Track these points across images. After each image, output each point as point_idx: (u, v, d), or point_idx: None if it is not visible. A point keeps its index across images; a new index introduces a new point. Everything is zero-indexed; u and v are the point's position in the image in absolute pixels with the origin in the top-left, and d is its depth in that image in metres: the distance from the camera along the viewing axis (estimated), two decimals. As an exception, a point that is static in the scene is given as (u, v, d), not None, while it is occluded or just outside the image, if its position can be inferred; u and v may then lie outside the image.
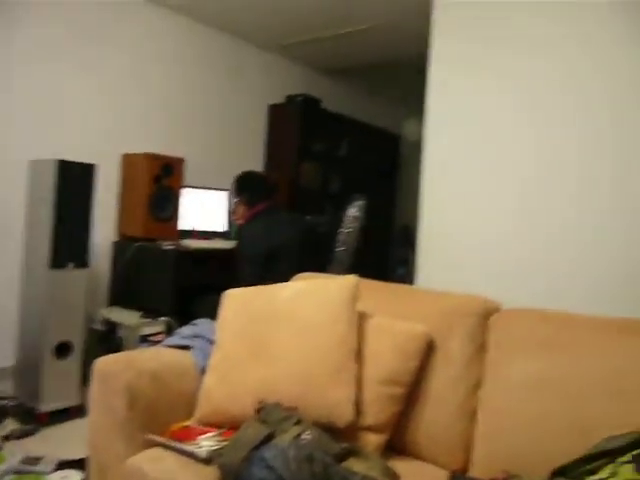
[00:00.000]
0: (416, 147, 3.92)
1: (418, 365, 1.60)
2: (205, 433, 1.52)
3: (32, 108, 3.14)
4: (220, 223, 3.97)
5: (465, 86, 2.47)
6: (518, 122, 2.32)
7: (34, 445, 2.40)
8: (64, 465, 2.17)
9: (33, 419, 2.60)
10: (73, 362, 2.71)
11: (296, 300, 1.67)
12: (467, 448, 1.55)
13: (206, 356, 1.74)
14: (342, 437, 1.46)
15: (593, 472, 1.12)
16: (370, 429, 1.52)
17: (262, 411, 1.47)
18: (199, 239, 3.63)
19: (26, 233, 2.74)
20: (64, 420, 2.69)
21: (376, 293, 1.82)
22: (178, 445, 1.46)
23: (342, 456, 1.37)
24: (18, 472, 2.09)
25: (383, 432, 1.54)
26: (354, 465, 1.37)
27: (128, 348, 2.92)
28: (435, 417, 1.59)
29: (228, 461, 1.32)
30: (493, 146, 2.38)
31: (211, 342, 1.78)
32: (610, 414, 1.33)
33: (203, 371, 1.71)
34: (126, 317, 3.12)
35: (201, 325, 1.93)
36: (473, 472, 1.50)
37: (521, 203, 2.29)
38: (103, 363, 1.65)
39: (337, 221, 2.99)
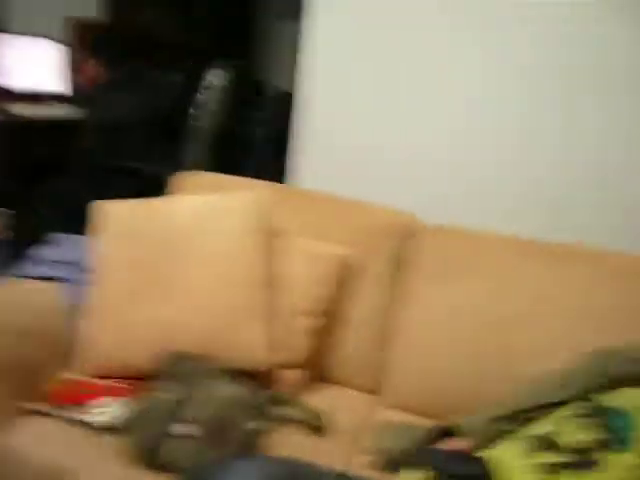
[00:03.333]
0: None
1: (336, 291, 1.45)
2: (96, 392, 1.27)
3: None
4: (55, 82, 3.23)
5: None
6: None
7: None
8: None
9: None
10: None
11: (196, 222, 1.39)
12: (386, 371, 1.49)
13: (80, 290, 1.42)
14: (259, 379, 1.32)
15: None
16: (290, 366, 1.38)
17: (169, 362, 1.25)
18: (30, 103, 2.95)
19: None
20: None
21: (292, 204, 1.58)
22: (66, 414, 1.20)
23: (263, 409, 1.24)
24: None
25: (304, 367, 1.41)
26: (278, 412, 1.27)
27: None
28: (355, 342, 1.49)
29: (140, 439, 1.11)
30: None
31: (83, 271, 1.45)
32: (534, 340, 1.32)
33: (76, 311, 1.40)
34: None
35: (66, 246, 1.56)
36: (387, 398, 1.46)
37: (452, 121, 2.06)
38: None
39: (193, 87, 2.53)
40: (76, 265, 1.47)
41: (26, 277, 1.46)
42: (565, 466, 0.93)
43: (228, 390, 1.21)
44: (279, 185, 1.68)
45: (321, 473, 0.97)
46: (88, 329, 1.35)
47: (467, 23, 1.77)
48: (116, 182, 2.52)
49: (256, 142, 5.27)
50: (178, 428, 1.11)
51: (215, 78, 2.44)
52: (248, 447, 1.14)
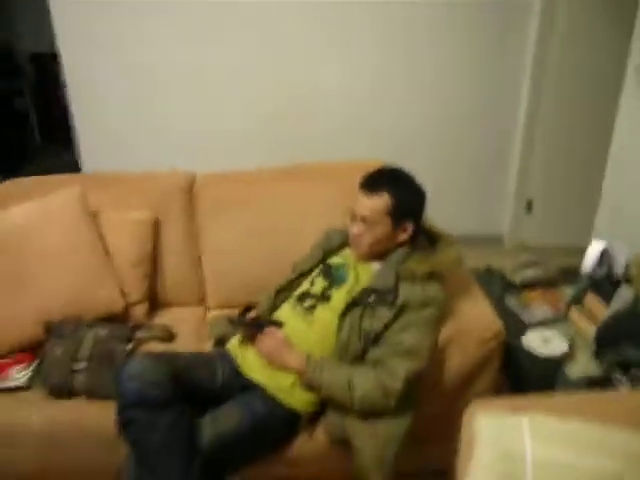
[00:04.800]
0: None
1: (152, 241, 2.02)
2: (7, 365, 1.72)
3: None
4: None
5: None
6: None
7: None
8: None
9: None
10: None
11: (30, 228, 1.83)
12: (204, 285, 2.13)
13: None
14: (120, 317, 1.88)
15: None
16: (137, 303, 1.96)
17: (53, 329, 1.75)
18: None
19: None
20: None
21: (99, 187, 2.07)
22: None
23: (129, 336, 1.82)
24: None
25: (146, 300, 1.99)
26: (140, 335, 1.85)
27: None
28: (174, 271, 2.09)
29: (54, 381, 1.63)
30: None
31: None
32: (294, 245, 1.99)
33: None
34: None
35: None
36: (210, 303, 2.11)
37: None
38: None
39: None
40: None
41: None
42: (315, 303, 1.68)
43: (102, 330, 1.75)
44: (84, 175, 2.12)
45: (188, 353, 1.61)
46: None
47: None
48: None
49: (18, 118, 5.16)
50: (80, 365, 1.65)
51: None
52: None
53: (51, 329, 1.75)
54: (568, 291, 1.88)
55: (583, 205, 2.77)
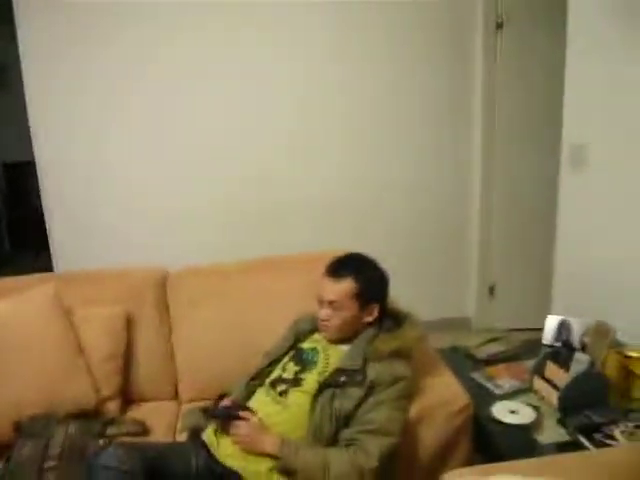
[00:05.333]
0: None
1: (126, 337, 2.05)
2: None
3: None
4: None
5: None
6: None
7: None
8: None
9: None
10: None
11: (5, 324, 1.86)
12: (177, 379, 2.14)
13: None
14: (93, 413, 1.87)
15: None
16: (109, 398, 1.95)
17: (23, 428, 1.73)
18: None
19: None
20: None
21: (74, 285, 2.12)
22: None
23: (102, 431, 1.81)
24: None
25: (119, 395, 1.99)
26: (112, 431, 1.84)
27: None
28: (147, 366, 2.10)
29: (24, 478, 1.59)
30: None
31: None
32: (264, 334, 2.04)
33: None
34: None
35: None
36: (184, 397, 2.12)
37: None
38: None
39: None
40: None
41: None
42: (288, 388, 1.71)
43: (73, 427, 1.74)
44: (57, 274, 2.17)
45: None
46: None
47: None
48: None
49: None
50: (49, 463, 1.62)
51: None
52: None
53: (21, 428, 1.73)
54: (530, 363, 1.96)
55: (543, 284, 2.90)
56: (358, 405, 1.60)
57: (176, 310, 2.16)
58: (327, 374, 1.68)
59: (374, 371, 1.63)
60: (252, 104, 2.92)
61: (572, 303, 2.40)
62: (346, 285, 1.71)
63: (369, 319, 1.75)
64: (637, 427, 1.56)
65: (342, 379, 1.64)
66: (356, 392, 1.61)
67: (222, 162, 2.92)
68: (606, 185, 2.27)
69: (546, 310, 2.59)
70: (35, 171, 2.95)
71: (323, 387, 1.64)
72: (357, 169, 3.15)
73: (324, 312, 1.73)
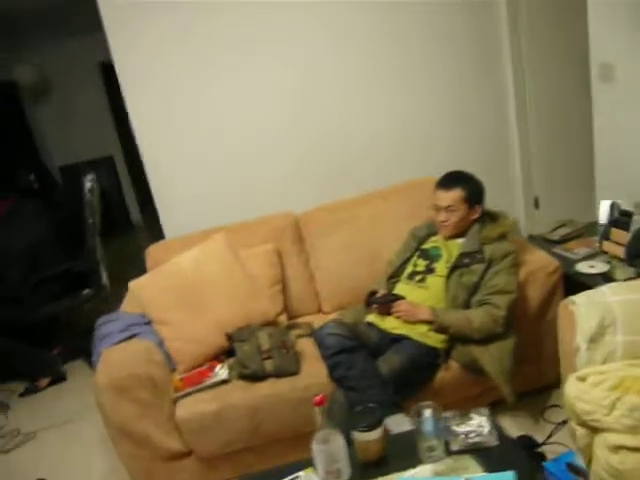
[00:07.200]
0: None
1: (280, 266, 2.65)
2: (203, 373, 2.28)
3: None
4: None
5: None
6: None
7: None
8: None
9: None
10: None
11: (196, 268, 2.44)
12: (319, 297, 2.75)
13: (153, 332, 2.37)
14: (274, 323, 2.48)
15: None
16: (280, 313, 2.56)
17: (233, 337, 2.32)
18: None
19: None
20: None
21: (231, 234, 2.65)
22: (203, 385, 2.21)
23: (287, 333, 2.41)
24: None
25: (284, 311, 2.60)
26: (296, 332, 2.44)
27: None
28: (296, 290, 2.71)
29: (253, 368, 2.19)
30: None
31: (147, 323, 2.40)
32: (383, 249, 2.63)
33: (160, 344, 2.35)
34: None
35: (116, 321, 2.45)
36: (325, 309, 2.73)
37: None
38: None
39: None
40: (139, 324, 2.40)
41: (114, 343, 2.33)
42: (424, 277, 2.31)
43: (269, 331, 2.33)
44: (218, 227, 2.72)
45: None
46: (173, 345, 2.33)
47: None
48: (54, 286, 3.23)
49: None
50: (264, 355, 2.22)
51: (89, 182, 3.28)
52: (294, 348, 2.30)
53: (232, 337, 2.33)
54: (595, 238, 2.55)
55: (583, 192, 3.17)
56: (481, 277, 2.20)
57: (309, 241, 2.75)
58: (453, 259, 2.26)
59: (489, 250, 2.22)
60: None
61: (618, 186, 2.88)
62: (457, 193, 2.28)
63: (475, 216, 2.32)
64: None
65: (466, 260, 2.23)
66: (479, 267, 2.20)
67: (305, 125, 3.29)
68: (633, 96, 2.69)
69: (586, 216, 3.07)
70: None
71: (453, 269, 2.23)
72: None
73: (442, 215, 2.31)
